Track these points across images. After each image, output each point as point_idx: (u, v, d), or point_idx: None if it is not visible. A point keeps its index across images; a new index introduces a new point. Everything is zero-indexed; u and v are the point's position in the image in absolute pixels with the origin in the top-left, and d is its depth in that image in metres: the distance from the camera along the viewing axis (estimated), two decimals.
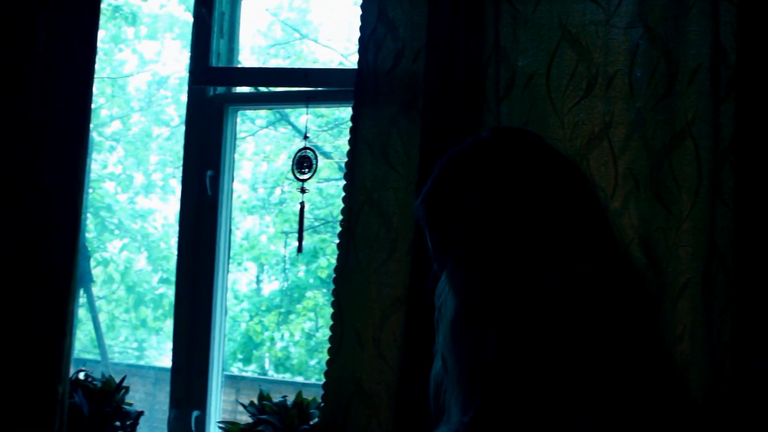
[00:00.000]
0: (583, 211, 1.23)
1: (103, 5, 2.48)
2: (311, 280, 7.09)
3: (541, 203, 1.19)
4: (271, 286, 7.42)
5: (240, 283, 7.57)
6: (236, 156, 2.66)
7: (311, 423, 2.33)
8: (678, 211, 2.01)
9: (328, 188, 6.45)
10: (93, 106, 2.57)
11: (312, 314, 6.88)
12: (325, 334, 6.29)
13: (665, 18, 2.05)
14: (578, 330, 1.15)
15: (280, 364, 7.41)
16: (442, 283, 1.26)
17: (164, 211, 7.68)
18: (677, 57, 2.03)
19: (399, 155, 2.22)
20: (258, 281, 7.30)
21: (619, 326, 1.19)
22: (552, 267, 1.17)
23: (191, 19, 2.66)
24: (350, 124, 2.26)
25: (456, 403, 1.23)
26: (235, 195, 2.68)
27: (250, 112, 5.47)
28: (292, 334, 7.35)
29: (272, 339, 7.46)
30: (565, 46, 2.11)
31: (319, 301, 6.71)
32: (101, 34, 2.50)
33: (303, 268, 7.07)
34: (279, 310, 7.16)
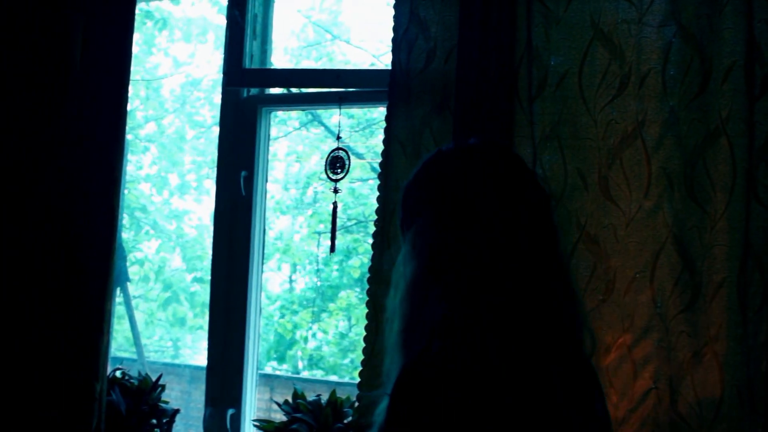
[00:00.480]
0: (525, 220, 1.37)
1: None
2: (344, 280, 7.12)
3: (492, 205, 1.35)
4: (303, 286, 7.46)
5: (273, 282, 7.62)
6: (269, 157, 2.68)
7: (345, 422, 2.35)
8: (712, 209, 2.00)
9: (361, 188, 6.47)
10: (128, 108, 2.62)
11: (345, 314, 6.90)
12: (357, 333, 6.31)
13: (699, 16, 2.03)
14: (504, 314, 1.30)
15: (313, 363, 7.45)
16: (400, 257, 1.42)
17: (199, 211, 7.75)
18: (711, 55, 2.02)
19: None
20: (291, 281, 7.33)
21: (539, 322, 1.33)
22: (488, 254, 1.32)
23: (224, 22, 2.68)
24: (383, 124, 2.28)
25: (393, 367, 1.34)
26: (267, 195, 2.70)
27: (282, 114, 5.50)
28: (325, 333, 7.39)
29: (305, 338, 7.50)
30: (598, 45, 2.10)
31: (352, 300, 6.72)
32: (135, 37, 2.53)
33: (336, 267, 7.10)
34: (312, 310, 7.19)
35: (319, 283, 7.00)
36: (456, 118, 2.15)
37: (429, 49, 2.25)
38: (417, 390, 1.25)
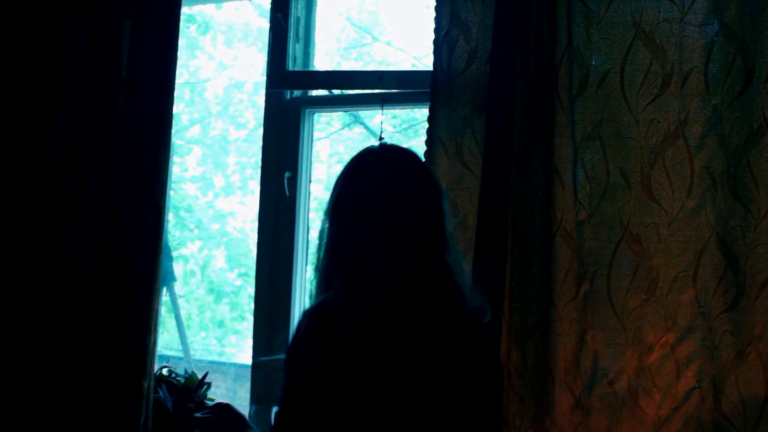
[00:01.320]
0: (410, 211, 1.64)
1: None
2: None
3: (379, 201, 1.63)
4: None
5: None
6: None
7: None
8: (756, 209, 2.00)
9: None
10: (173, 110, 2.68)
11: None
12: None
13: (741, 14, 2.03)
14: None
15: None
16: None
17: (243, 212, 7.82)
18: (754, 53, 2.01)
19: (473, 156, 2.24)
20: None
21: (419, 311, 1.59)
22: (376, 241, 1.61)
23: (266, 26, 2.71)
24: (424, 124, 2.30)
25: None
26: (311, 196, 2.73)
27: (324, 115, 5.54)
28: None
29: None
30: (639, 45, 2.11)
31: None
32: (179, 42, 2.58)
33: None
34: None
35: None
36: (489, 118, 2.16)
37: (470, 51, 2.27)
38: (307, 323, 1.56)
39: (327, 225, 1.69)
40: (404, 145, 1.76)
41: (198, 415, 2.31)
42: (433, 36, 2.31)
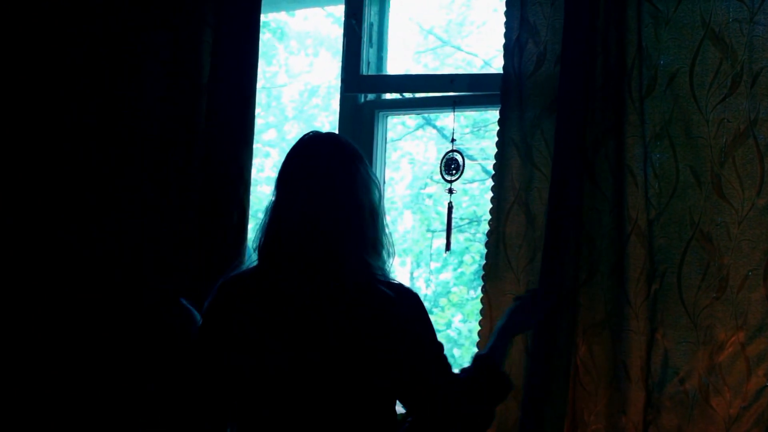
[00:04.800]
0: (328, 182, 1.86)
1: None
2: (456, 277, 7.17)
3: (299, 176, 1.88)
4: (420, 282, 7.55)
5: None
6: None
7: None
8: None
9: (472, 189, 6.52)
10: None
11: (456, 308, 6.94)
12: (468, 328, 6.34)
13: None
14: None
15: None
16: None
17: None
18: None
19: (543, 156, 2.28)
20: (412, 278, 7.43)
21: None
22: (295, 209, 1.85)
23: (339, 31, 2.79)
24: (494, 126, 2.34)
25: None
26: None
27: (396, 118, 5.62)
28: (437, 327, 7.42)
29: None
30: (708, 44, 2.11)
31: (464, 296, 6.76)
32: None
33: (451, 267, 7.17)
34: (426, 304, 7.28)
35: (433, 280, 7.07)
36: (560, 119, 2.19)
37: (539, 53, 2.30)
38: (212, 292, 1.93)
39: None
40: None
41: None
42: (503, 40, 2.35)
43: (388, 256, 1.92)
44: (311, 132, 1.96)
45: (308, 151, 1.91)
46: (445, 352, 1.90)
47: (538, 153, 2.28)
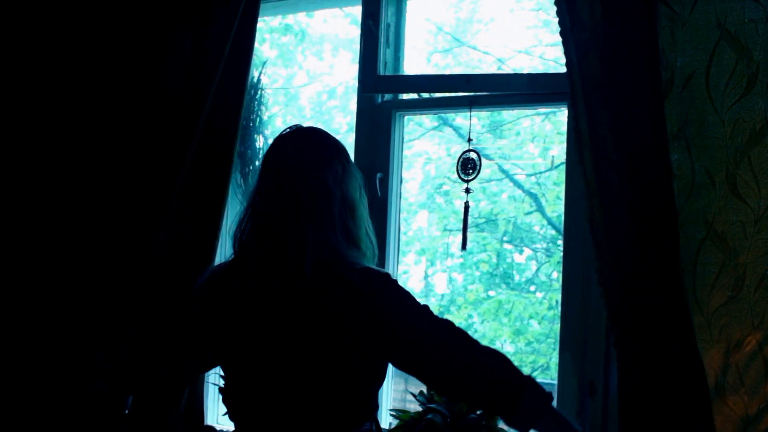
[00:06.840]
0: (303, 171, 1.93)
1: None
2: (473, 275, 7.17)
3: (275, 164, 1.97)
4: (436, 281, 7.55)
5: (413, 278, 7.70)
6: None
7: (478, 412, 2.36)
8: None
9: (488, 188, 6.52)
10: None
11: (472, 307, 6.94)
12: (485, 327, 6.34)
13: None
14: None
15: None
16: None
17: None
18: None
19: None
20: (426, 276, 7.43)
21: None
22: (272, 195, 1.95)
23: (356, 33, 2.80)
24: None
25: None
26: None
27: (413, 118, 5.64)
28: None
29: None
30: (724, 45, 2.12)
31: (480, 294, 6.76)
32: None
33: (467, 266, 7.16)
34: (440, 303, 7.27)
35: (448, 280, 7.08)
36: (588, 114, 2.17)
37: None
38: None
39: None
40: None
41: None
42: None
43: (372, 255, 1.99)
44: (294, 125, 2.03)
45: (286, 141, 2.00)
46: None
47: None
